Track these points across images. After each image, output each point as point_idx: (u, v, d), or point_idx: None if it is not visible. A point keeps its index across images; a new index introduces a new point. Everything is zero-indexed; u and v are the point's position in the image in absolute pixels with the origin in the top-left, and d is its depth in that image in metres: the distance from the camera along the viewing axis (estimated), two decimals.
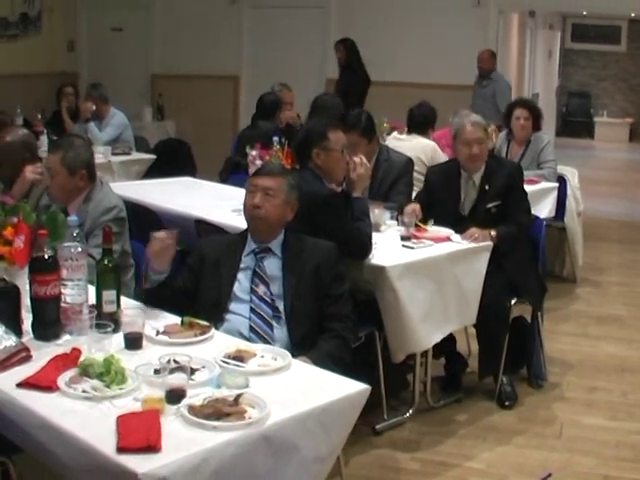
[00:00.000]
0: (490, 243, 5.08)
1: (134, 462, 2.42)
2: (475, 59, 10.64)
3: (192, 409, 2.69)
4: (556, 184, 7.34)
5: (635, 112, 20.81)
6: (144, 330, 3.31)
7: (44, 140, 7.85)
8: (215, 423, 2.62)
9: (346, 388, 3.02)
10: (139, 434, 2.50)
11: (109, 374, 2.86)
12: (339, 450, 3.10)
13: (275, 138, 6.35)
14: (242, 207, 4.05)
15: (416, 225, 5.10)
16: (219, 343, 3.37)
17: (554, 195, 7.26)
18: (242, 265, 3.94)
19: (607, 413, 5.24)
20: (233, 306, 3.86)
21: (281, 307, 3.84)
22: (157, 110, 11.99)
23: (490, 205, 5.37)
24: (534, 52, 16.02)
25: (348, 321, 3.92)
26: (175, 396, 2.75)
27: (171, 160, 8.68)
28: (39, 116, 8.84)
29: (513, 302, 5.26)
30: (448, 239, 5.05)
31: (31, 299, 3.31)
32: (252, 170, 5.32)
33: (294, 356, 3.33)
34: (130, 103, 10.75)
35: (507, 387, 5.30)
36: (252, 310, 3.83)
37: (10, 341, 3.07)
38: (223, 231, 4.96)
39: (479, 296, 5.02)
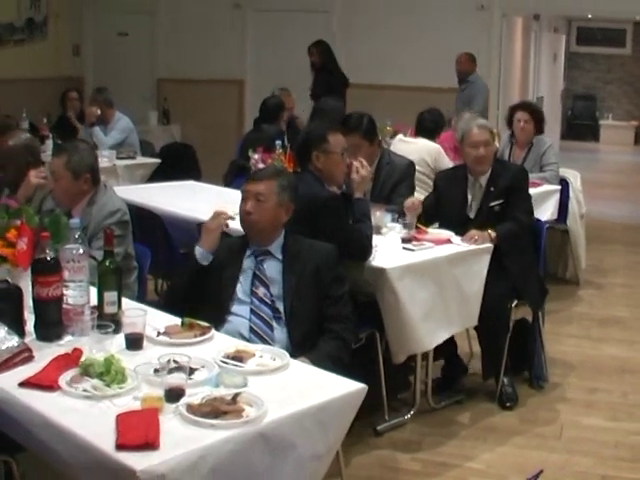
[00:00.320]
0: (490, 245, 5.11)
1: (133, 459, 2.46)
2: (480, 63, 10.70)
3: (190, 407, 2.73)
4: (558, 187, 7.37)
5: None
6: (145, 331, 3.35)
7: (49, 144, 7.91)
8: (213, 421, 2.66)
9: (343, 387, 3.05)
10: (138, 432, 2.55)
11: (109, 374, 2.91)
12: (336, 448, 3.14)
13: (278, 142, 6.41)
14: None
15: (417, 227, 5.14)
16: (219, 343, 3.41)
17: (556, 198, 7.29)
18: (243, 267, 3.99)
19: (607, 414, 5.27)
20: (234, 308, 3.92)
21: (281, 308, 3.89)
22: (162, 114, 12.03)
23: (493, 204, 5.44)
24: (539, 55, 16.04)
25: (348, 322, 3.96)
26: (174, 395, 2.80)
27: (176, 164, 8.73)
28: (45, 120, 8.91)
29: (514, 304, 5.30)
30: (449, 241, 5.10)
31: (33, 300, 3.35)
32: None
33: (294, 357, 3.36)
34: (136, 107, 10.81)
35: (508, 388, 5.33)
36: (252, 311, 3.88)
37: (13, 341, 3.11)
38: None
39: (480, 298, 5.06)
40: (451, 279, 4.92)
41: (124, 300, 3.60)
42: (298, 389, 3.02)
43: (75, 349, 3.14)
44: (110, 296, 3.45)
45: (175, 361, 2.96)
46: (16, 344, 3.12)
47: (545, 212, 7.01)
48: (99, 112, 8.67)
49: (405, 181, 5.70)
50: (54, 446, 2.71)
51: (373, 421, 4.91)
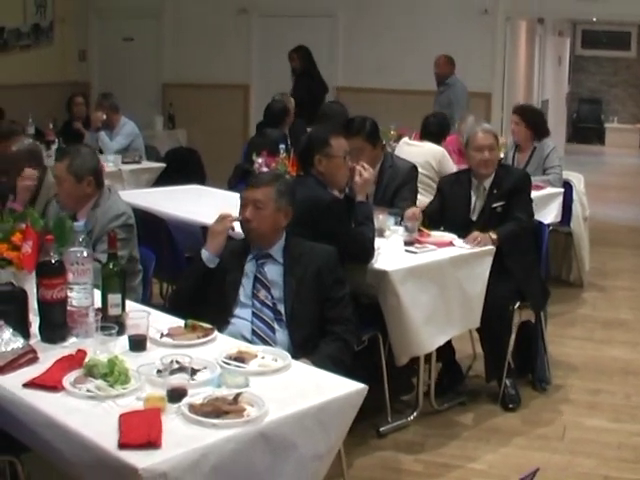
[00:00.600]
0: (492, 247, 5.14)
1: (135, 457, 2.49)
2: (484, 67, 10.74)
3: (192, 407, 2.77)
4: (561, 189, 7.38)
5: None
6: (148, 332, 3.38)
7: (55, 149, 7.95)
8: (214, 421, 2.70)
9: (344, 387, 3.09)
10: (140, 431, 2.58)
11: (113, 374, 2.95)
12: (337, 448, 3.17)
13: (282, 146, 6.44)
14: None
15: (419, 230, 5.17)
16: (221, 345, 3.44)
17: (559, 200, 7.31)
18: (245, 271, 4.02)
19: (610, 415, 5.29)
20: (236, 310, 3.96)
21: (282, 310, 3.93)
22: (168, 119, 12.07)
23: (495, 205, 5.49)
24: (543, 59, 16.07)
25: (349, 324, 3.99)
26: (176, 395, 2.83)
27: (181, 168, 8.76)
28: (51, 125, 8.95)
29: (517, 306, 5.33)
30: (451, 244, 5.12)
31: (38, 302, 3.39)
32: None
33: (295, 359, 3.39)
34: (141, 112, 10.86)
35: (511, 390, 5.35)
36: (254, 314, 3.92)
37: (18, 343, 3.16)
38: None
39: (482, 300, 5.08)
40: (453, 281, 4.95)
41: (128, 302, 3.64)
42: (299, 389, 3.05)
43: (79, 350, 3.19)
44: (114, 298, 3.49)
45: (177, 362, 2.99)
46: (21, 345, 3.16)
47: (549, 215, 7.04)
48: (105, 117, 8.72)
49: (408, 184, 5.72)
50: (58, 445, 2.75)
51: (376, 423, 4.94)
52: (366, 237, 4.70)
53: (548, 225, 6.30)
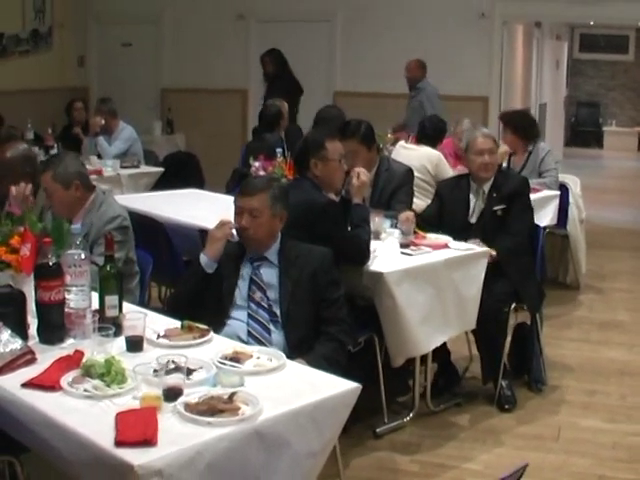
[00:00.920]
0: (487, 249, 5.19)
1: (131, 455, 2.53)
2: (482, 70, 10.79)
3: (188, 406, 2.81)
4: (557, 192, 7.41)
5: None
6: (145, 333, 3.42)
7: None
8: (209, 419, 2.74)
9: (338, 386, 3.12)
10: (136, 429, 2.62)
11: (110, 374, 2.98)
12: (331, 447, 3.19)
13: (279, 149, 6.48)
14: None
15: (415, 232, 5.21)
16: (217, 345, 3.48)
17: (556, 203, 7.34)
18: (240, 273, 4.06)
19: (605, 415, 5.32)
20: (232, 312, 3.99)
21: (278, 312, 3.97)
22: (167, 124, 12.12)
23: (496, 208, 5.56)
24: (541, 62, 16.12)
25: (344, 324, 4.03)
26: (172, 394, 2.87)
27: (179, 173, 8.80)
28: (50, 130, 8.99)
29: (512, 307, 5.37)
30: (446, 246, 5.16)
31: (36, 304, 3.43)
32: None
33: (291, 359, 3.42)
34: (140, 117, 10.90)
35: (507, 391, 5.39)
36: (250, 316, 3.96)
37: (16, 344, 3.19)
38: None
39: (478, 301, 5.12)
40: (449, 283, 4.98)
41: (125, 304, 3.67)
42: (293, 388, 3.09)
43: (76, 351, 3.23)
44: (111, 300, 3.53)
45: (174, 362, 3.03)
46: (19, 347, 3.20)
47: (545, 217, 7.06)
48: (103, 122, 8.74)
49: (404, 187, 5.77)
50: (56, 444, 2.78)
51: (372, 424, 4.97)
52: (362, 239, 4.73)
53: (544, 227, 6.33)
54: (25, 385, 3.01)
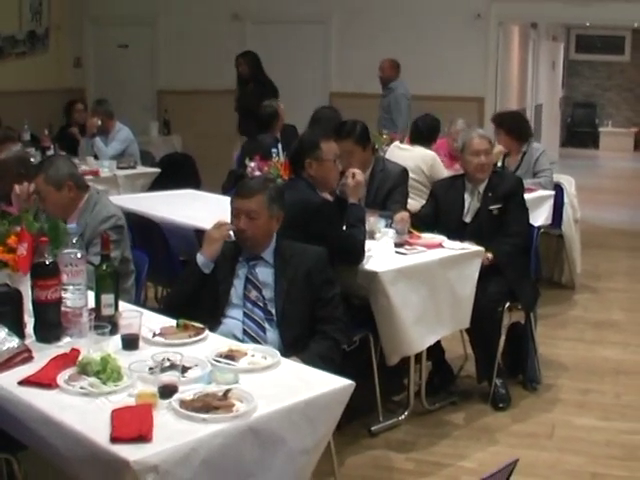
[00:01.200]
0: (481, 249, 5.21)
1: (127, 451, 2.56)
2: (477, 71, 10.82)
3: (183, 403, 2.84)
4: (552, 192, 7.43)
5: None
6: (140, 332, 3.45)
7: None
8: (204, 415, 2.77)
9: (331, 383, 3.15)
10: (132, 426, 2.65)
11: (106, 372, 3.01)
12: (325, 444, 3.22)
13: (274, 150, 6.51)
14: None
15: (410, 232, 5.24)
16: (212, 344, 3.51)
17: (550, 203, 7.36)
18: (236, 273, 4.09)
19: (599, 414, 5.35)
20: (228, 311, 4.02)
21: (273, 311, 3.99)
22: (163, 125, 12.13)
23: (492, 207, 5.60)
24: (537, 63, 16.16)
25: (339, 323, 4.06)
26: (167, 391, 2.90)
27: (176, 173, 8.82)
28: (46, 132, 9.03)
29: (506, 306, 5.40)
30: (440, 245, 5.19)
31: (33, 303, 3.45)
32: None
33: (286, 357, 3.44)
34: (137, 118, 10.90)
35: (501, 390, 5.41)
36: (245, 314, 3.99)
37: (13, 343, 3.22)
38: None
39: (472, 300, 5.15)
40: (443, 282, 5.01)
41: (121, 303, 3.71)
42: (287, 386, 3.12)
43: (73, 349, 3.25)
44: (107, 299, 3.56)
45: (169, 359, 3.05)
46: (16, 345, 3.22)
47: (539, 217, 7.08)
48: (100, 123, 8.76)
49: (399, 187, 5.80)
50: (53, 441, 2.81)
51: (368, 422, 5.00)
52: (357, 239, 4.76)
53: (539, 227, 6.36)
54: (22, 383, 3.03)
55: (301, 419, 2.98)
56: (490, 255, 5.35)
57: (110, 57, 12.97)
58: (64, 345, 3.39)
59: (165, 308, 4.28)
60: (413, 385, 5.19)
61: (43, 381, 3.03)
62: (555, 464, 4.68)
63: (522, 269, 5.59)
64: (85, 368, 3.05)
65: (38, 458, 3.23)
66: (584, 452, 4.82)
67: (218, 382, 3.04)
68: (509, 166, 7.49)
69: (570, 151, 19.50)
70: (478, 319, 5.18)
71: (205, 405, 2.82)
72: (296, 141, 5.19)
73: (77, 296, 3.50)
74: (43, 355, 3.27)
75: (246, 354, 3.36)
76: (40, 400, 2.93)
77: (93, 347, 3.21)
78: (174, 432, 2.69)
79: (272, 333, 3.96)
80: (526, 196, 6.00)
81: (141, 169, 8.68)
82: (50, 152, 8.26)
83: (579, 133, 21.15)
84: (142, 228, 5.72)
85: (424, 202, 6.21)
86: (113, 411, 2.77)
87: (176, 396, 2.89)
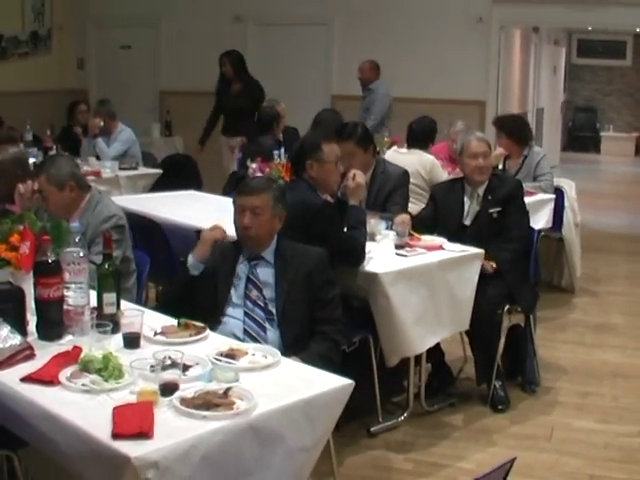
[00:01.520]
0: (481, 251, 5.23)
1: (127, 447, 2.58)
2: (479, 75, 10.84)
3: (184, 400, 2.86)
4: (553, 196, 7.45)
5: None
6: (142, 330, 3.47)
7: None
8: (204, 413, 2.79)
9: (331, 382, 3.18)
10: (133, 422, 2.67)
11: (107, 369, 3.04)
12: (324, 443, 3.24)
13: (276, 152, 6.52)
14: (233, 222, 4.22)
15: (410, 234, 5.26)
16: (213, 343, 3.53)
17: (550, 206, 7.38)
18: (237, 272, 4.11)
19: (598, 416, 5.37)
20: (228, 310, 4.04)
21: (274, 311, 4.01)
22: (165, 126, 12.15)
23: (492, 210, 5.63)
24: (538, 67, 16.17)
25: (338, 324, 4.07)
26: (168, 389, 2.93)
27: (177, 175, 8.83)
28: (49, 132, 9.04)
29: (506, 308, 5.42)
30: (441, 247, 5.21)
31: (35, 301, 3.48)
32: None
33: (286, 357, 3.47)
34: (139, 119, 10.92)
35: (500, 392, 5.43)
36: (246, 314, 4.01)
37: (15, 340, 3.24)
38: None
39: (472, 303, 5.17)
40: (443, 284, 5.02)
41: (123, 302, 3.73)
42: (288, 384, 3.14)
43: (75, 347, 3.28)
44: (109, 297, 3.58)
45: (170, 358, 3.07)
46: (18, 342, 3.24)
47: (540, 220, 7.10)
48: (102, 124, 8.77)
49: (399, 189, 5.82)
50: (54, 437, 2.83)
51: (367, 423, 5.03)
52: (357, 241, 4.78)
53: (539, 231, 6.37)
54: (24, 380, 3.06)
55: (301, 417, 3.00)
56: (494, 264, 5.39)
57: (113, 58, 13.00)
58: (66, 343, 3.41)
59: (162, 305, 4.30)
60: (412, 386, 5.21)
61: (45, 378, 3.05)
62: (553, 466, 4.69)
63: (522, 272, 5.62)
64: (87, 366, 3.07)
65: (39, 455, 3.24)
66: (582, 454, 4.83)
67: (219, 380, 3.06)
68: (510, 169, 7.51)
69: (571, 155, 19.53)
70: (478, 321, 5.20)
71: (205, 403, 2.84)
72: (298, 142, 5.21)
73: (79, 294, 3.52)
74: (45, 353, 3.29)
75: (246, 353, 3.38)
76: (42, 397, 2.95)
77: (95, 345, 3.23)
78: (174, 429, 2.72)
79: (272, 333, 3.98)
80: (526, 199, 6.03)
81: (143, 170, 8.70)
82: (52, 153, 8.26)
83: (580, 137, 21.17)
84: (143, 228, 5.74)
85: (424, 205, 6.23)
86: (114, 408, 2.79)
87: (177, 394, 2.91)
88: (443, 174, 7.21)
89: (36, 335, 3.47)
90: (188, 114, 12.12)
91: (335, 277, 4.21)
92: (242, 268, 4.11)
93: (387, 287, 4.71)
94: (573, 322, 7.39)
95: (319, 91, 11.59)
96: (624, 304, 7.96)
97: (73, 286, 3.52)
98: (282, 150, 6.70)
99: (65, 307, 3.50)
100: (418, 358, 5.18)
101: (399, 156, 7.28)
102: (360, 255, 4.76)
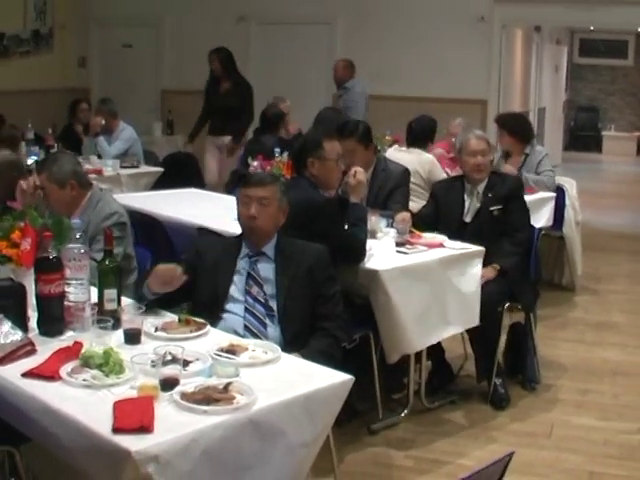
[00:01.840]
0: (482, 249, 5.24)
1: (128, 441, 2.60)
2: (480, 74, 10.85)
3: (184, 395, 2.88)
4: (553, 194, 7.46)
5: None
6: (143, 326, 3.49)
7: None
8: (205, 407, 2.81)
9: (330, 378, 3.19)
10: (134, 417, 2.69)
11: (108, 365, 3.05)
12: (324, 438, 3.25)
13: (277, 149, 6.54)
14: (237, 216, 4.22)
15: (411, 231, 5.27)
16: (213, 338, 3.55)
17: (551, 205, 7.39)
18: (237, 268, 4.11)
19: (598, 414, 5.38)
20: (228, 306, 4.04)
21: (274, 307, 4.01)
22: (167, 125, 12.16)
23: (493, 208, 5.65)
24: (540, 67, 16.18)
25: (339, 320, 4.08)
26: (169, 384, 2.94)
27: (179, 173, 8.85)
28: (50, 131, 9.06)
29: (506, 306, 5.43)
30: (441, 245, 5.22)
31: (36, 297, 3.50)
32: None
33: (286, 353, 3.48)
34: (141, 118, 10.95)
35: (500, 389, 5.44)
36: (246, 310, 4.00)
37: (16, 336, 3.26)
38: (217, 234, 5.13)
39: (478, 298, 5.17)
40: (445, 281, 5.03)
41: (123, 299, 3.74)
42: (288, 380, 3.15)
43: (75, 342, 3.30)
44: (110, 293, 3.59)
45: (170, 353, 3.09)
46: (19, 338, 3.26)
47: (540, 219, 7.11)
48: (103, 122, 8.79)
49: (400, 187, 5.84)
50: (55, 432, 2.85)
51: (368, 420, 5.04)
52: (358, 238, 4.79)
53: (540, 229, 6.38)
54: (25, 375, 3.07)
55: (301, 413, 3.01)
56: (497, 266, 5.41)
57: (114, 57, 13.03)
58: (67, 339, 3.43)
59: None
60: (413, 384, 5.22)
61: (46, 373, 3.07)
62: (553, 463, 4.71)
63: (522, 270, 5.63)
64: (88, 361, 3.09)
65: (40, 450, 3.26)
66: (582, 451, 4.85)
67: (219, 375, 3.08)
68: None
69: (573, 155, 19.54)
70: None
71: (206, 397, 2.85)
72: (299, 140, 5.23)
73: (80, 290, 3.54)
74: (46, 348, 3.31)
75: (247, 349, 3.40)
76: (43, 392, 2.97)
77: (96, 341, 3.24)
78: (175, 423, 2.73)
79: (273, 329, 3.98)
80: (527, 198, 6.05)
81: (144, 168, 8.71)
82: (54, 151, 8.27)
83: (582, 137, 21.17)
84: (145, 226, 5.76)
85: (424, 203, 6.25)
86: (115, 403, 2.81)
87: (177, 389, 2.93)
88: (442, 174, 7.21)
89: (37, 331, 3.49)
90: (190, 113, 12.09)
91: (336, 274, 4.22)
92: (243, 264, 4.11)
93: (388, 284, 4.71)
94: (574, 320, 7.40)
95: (322, 90, 11.58)
96: (625, 302, 7.97)
97: (74, 282, 3.53)
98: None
99: (66, 303, 3.51)
100: (419, 355, 5.19)
101: (398, 154, 7.28)
102: (361, 252, 4.77)
